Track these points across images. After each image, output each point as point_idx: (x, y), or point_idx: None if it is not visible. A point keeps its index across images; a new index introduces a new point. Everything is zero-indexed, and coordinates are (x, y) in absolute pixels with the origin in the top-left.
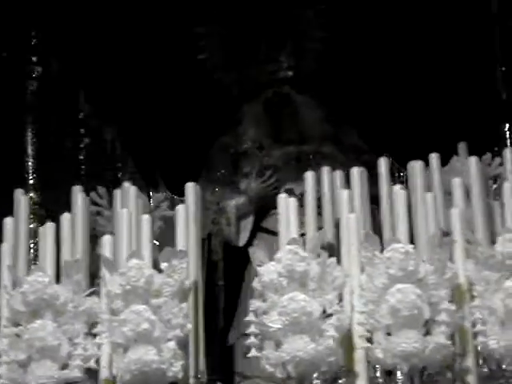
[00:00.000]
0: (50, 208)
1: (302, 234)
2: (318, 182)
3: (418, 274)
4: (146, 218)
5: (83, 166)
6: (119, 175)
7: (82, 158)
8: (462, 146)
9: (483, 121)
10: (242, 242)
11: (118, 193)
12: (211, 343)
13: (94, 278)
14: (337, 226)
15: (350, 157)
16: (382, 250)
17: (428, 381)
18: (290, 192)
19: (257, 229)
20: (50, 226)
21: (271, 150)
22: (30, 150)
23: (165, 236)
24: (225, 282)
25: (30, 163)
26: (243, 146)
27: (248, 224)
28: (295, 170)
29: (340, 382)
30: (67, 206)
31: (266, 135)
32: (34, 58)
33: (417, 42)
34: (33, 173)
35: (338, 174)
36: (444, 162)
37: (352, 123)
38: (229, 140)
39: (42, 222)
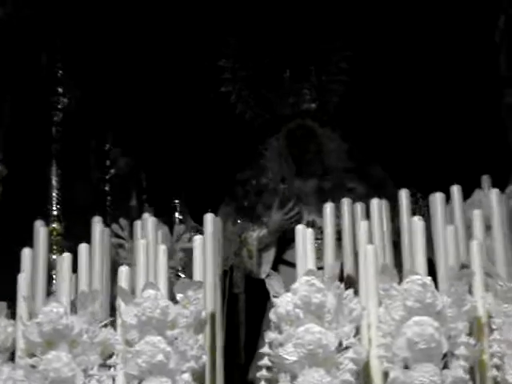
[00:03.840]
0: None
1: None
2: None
3: (436, 306)
4: (162, 248)
5: (108, 197)
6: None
7: (107, 189)
8: (485, 179)
9: (508, 154)
10: (263, 274)
11: (138, 224)
12: (232, 379)
13: (115, 309)
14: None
15: (373, 190)
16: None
17: None
18: (312, 224)
19: (278, 261)
20: (66, 256)
21: (293, 182)
22: (54, 181)
23: (190, 268)
24: (246, 316)
25: (54, 194)
26: (266, 178)
27: (270, 256)
28: (317, 203)
29: None
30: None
31: (288, 168)
32: (59, 89)
33: (438, 80)
34: (57, 204)
35: (359, 206)
36: (468, 194)
37: (375, 156)
38: (251, 172)
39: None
